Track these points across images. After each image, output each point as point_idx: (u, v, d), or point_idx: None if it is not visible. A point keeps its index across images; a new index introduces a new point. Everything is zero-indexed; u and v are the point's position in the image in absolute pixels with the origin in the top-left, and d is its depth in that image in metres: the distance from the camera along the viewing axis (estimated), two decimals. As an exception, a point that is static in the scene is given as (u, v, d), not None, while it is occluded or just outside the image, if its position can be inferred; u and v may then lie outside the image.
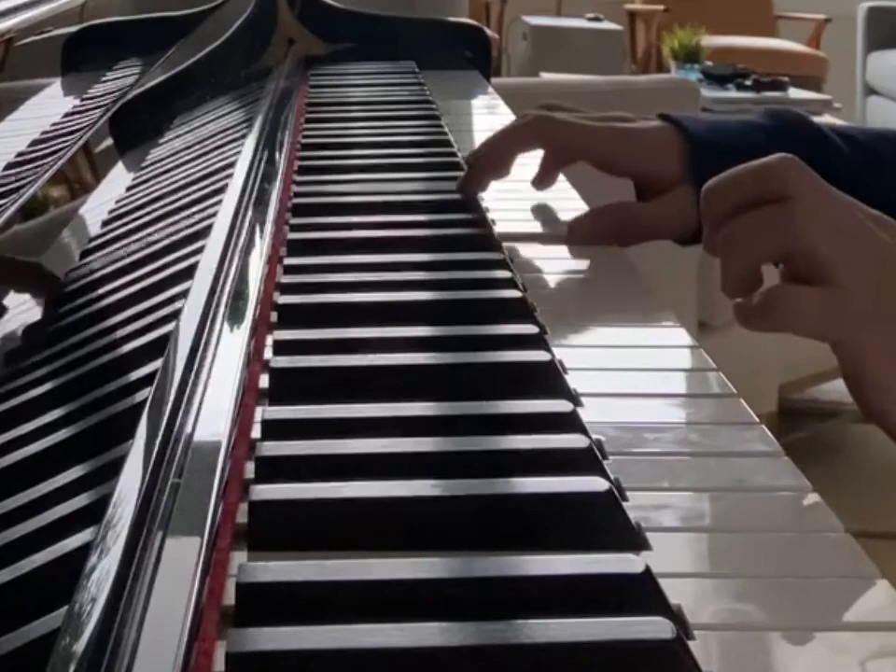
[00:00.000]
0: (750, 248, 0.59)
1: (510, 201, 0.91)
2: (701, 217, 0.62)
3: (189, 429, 0.50)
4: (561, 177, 0.95)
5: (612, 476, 0.49)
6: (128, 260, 0.77)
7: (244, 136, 1.03)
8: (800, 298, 0.58)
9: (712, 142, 0.86)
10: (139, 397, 0.54)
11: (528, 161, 0.92)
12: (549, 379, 0.58)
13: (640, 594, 0.41)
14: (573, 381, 0.59)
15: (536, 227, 0.88)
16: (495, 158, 0.90)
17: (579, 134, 0.88)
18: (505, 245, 0.80)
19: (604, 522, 0.46)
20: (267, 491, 0.47)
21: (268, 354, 0.61)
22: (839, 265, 0.57)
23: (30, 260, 0.74)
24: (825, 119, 4.19)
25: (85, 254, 0.81)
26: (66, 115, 0.88)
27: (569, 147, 0.89)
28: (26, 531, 0.46)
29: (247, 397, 0.56)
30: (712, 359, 0.64)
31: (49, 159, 0.80)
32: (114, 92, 1.01)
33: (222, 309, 0.63)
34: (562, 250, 0.83)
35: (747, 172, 0.60)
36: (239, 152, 0.96)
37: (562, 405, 0.55)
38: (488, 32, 1.62)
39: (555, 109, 0.92)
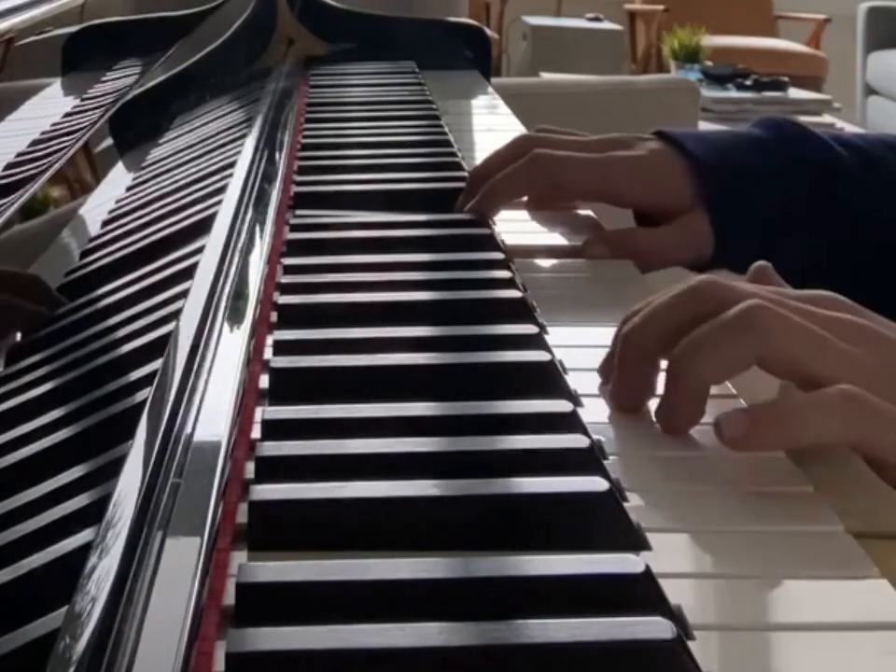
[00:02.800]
0: (722, 355, 0.54)
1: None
2: (618, 363, 0.58)
3: (189, 429, 0.50)
4: None
5: (612, 476, 0.49)
6: (128, 260, 0.77)
7: (244, 136, 1.03)
8: (823, 401, 0.52)
9: (718, 163, 0.84)
10: (139, 397, 0.54)
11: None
12: (549, 379, 0.58)
13: (640, 594, 0.41)
14: (573, 381, 0.59)
15: (537, 231, 0.88)
16: (493, 204, 0.85)
17: (580, 173, 0.84)
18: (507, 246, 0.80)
19: (604, 522, 0.46)
20: (267, 491, 0.47)
21: (268, 354, 0.61)
22: (829, 362, 0.53)
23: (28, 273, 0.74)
24: (825, 119, 4.20)
25: (85, 254, 0.81)
26: (66, 115, 0.88)
27: (570, 187, 0.85)
28: (26, 531, 0.46)
29: (247, 397, 0.56)
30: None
31: (49, 159, 0.80)
32: (114, 92, 1.01)
33: (222, 309, 0.63)
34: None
35: (668, 304, 0.57)
36: (239, 152, 0.96)
37: (562, 405, 0.55)
38: (488, 32, 1.62)
39: (550, 131, 0.89)
